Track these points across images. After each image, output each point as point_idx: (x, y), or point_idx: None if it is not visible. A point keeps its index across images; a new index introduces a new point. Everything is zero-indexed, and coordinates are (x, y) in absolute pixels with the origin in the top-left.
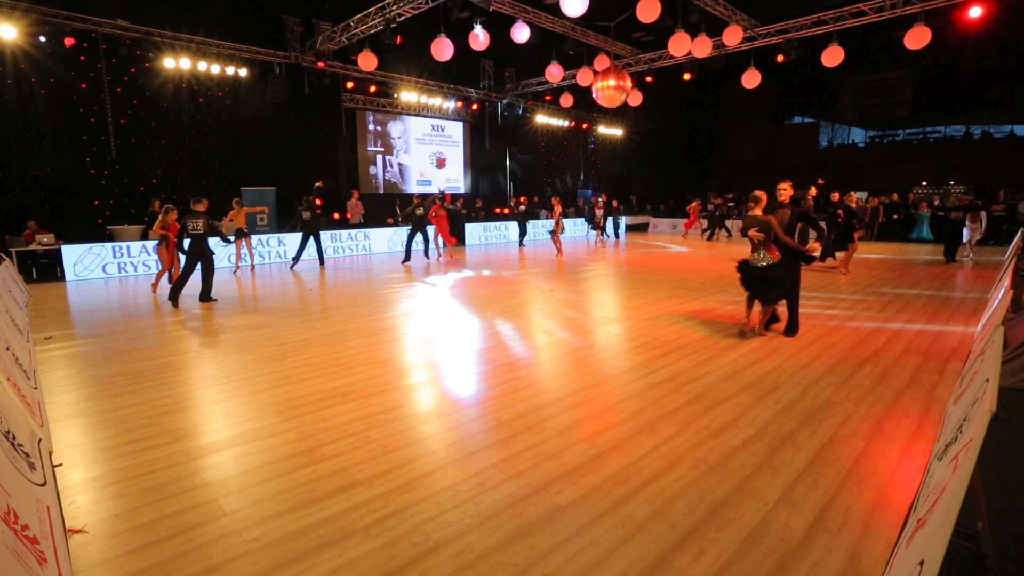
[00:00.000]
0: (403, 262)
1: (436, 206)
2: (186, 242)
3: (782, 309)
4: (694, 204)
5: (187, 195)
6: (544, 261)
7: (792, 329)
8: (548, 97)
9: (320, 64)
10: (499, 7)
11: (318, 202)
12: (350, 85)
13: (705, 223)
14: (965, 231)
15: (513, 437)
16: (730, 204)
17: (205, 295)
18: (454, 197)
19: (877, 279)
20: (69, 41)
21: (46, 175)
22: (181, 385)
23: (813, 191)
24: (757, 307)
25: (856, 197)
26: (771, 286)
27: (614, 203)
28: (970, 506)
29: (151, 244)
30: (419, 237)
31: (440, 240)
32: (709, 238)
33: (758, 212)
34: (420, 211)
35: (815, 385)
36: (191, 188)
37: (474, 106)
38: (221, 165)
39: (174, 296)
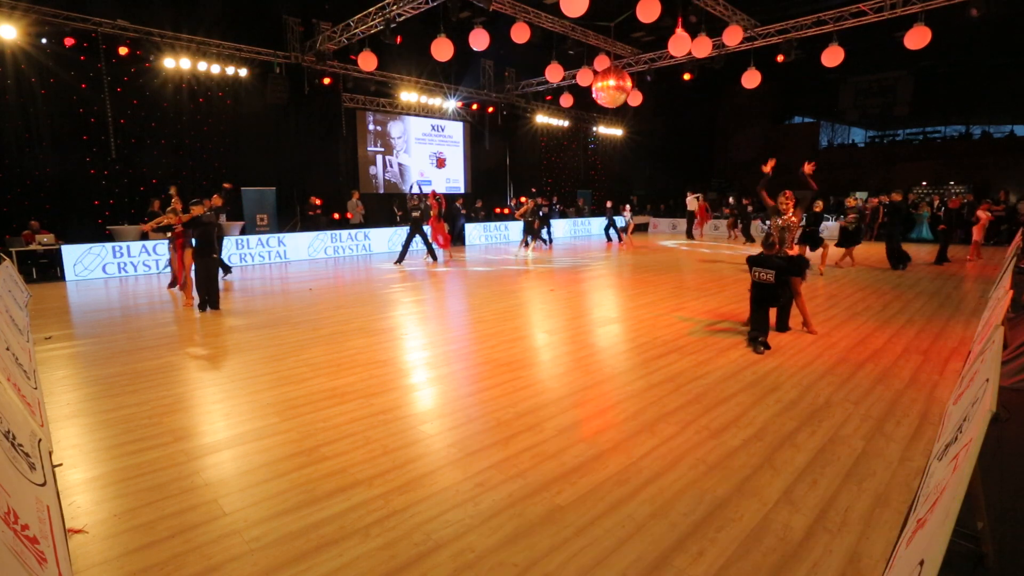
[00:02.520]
0: (396, 262)
1: (434, 206)
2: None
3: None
4: (700, 204)
5: (188, 195)
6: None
7: (782, 325)
8: (548, 97)
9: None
10: (499, 7)
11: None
12: (350, 85)
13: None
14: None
15: (513, 437)
16: (739, 203)
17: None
18: (452, 197)
19: (877, 279)
20: (69, 41)
21: (46, 175)
22: (181, 385)
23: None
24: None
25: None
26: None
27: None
28: (970, 506)
29: (151, 244)
30: (418, 238)
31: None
32: (746, 236)
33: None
34: (416, 214)
35: (815, 385)
36: (191, 188)
37: (474, 106)
38: (221, 165)
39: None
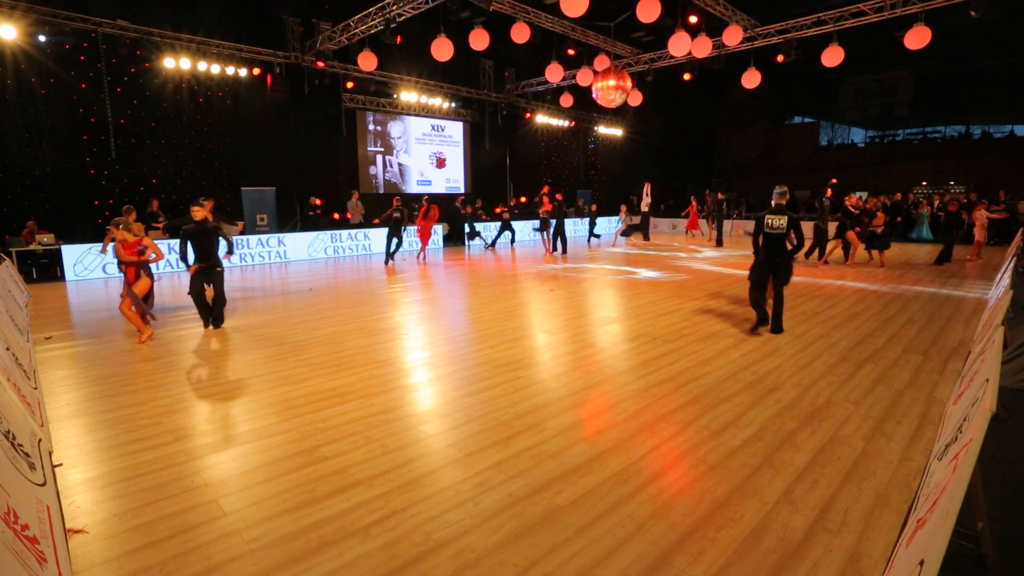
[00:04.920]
0: (387, 263)
1: (422, 210)
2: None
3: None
4: (693, 204)
5: (188, 195)
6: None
7: (777, 327)
8: (548, 97)
9: (320, 64)
10: (499, 7)
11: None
12: (350, 85)
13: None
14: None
15: (513, 437)
16: (725, 200)
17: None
18: (452, 197)
19: (877, 279)
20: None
21: (46, 175)
22: (181, 385)
23: (829, 192)
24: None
25: (856, 198)
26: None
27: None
28: (970, 506)
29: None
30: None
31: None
32: (718, 240)
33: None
34: (397, 215)
35: (815, 385)
36: (191, 188)
37: (474, 106)
38: (221, 165)
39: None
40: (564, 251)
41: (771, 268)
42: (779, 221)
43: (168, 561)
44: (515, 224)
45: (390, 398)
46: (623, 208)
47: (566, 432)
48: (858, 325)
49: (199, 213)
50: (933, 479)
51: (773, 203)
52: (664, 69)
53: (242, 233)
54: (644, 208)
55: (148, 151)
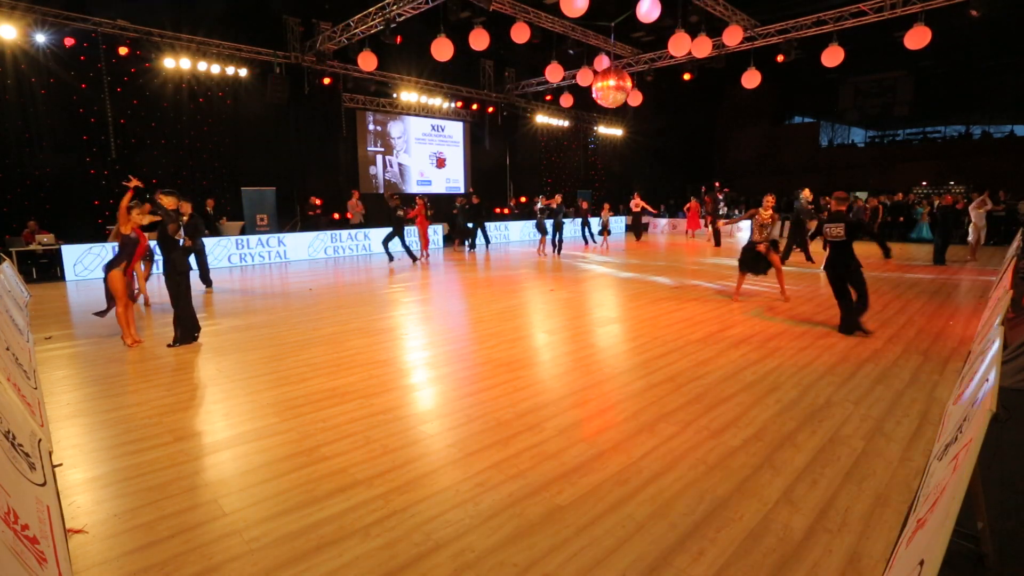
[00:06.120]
0: (414, 261)
1: (419, 208)
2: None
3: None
4: (693, 204)
5: (188, 195)
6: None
7: (846, 327)
8: (548, 97)
9: (326, 81)
10: (499, 7)
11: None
12: (350, 85)
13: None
14: (971, 230)
15: (513, 437)
16: (719, 197)
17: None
18: (452, 197)
19: (877, 279)
20: (69, 41)
21: (46, 175)
22: (181, 385)
23: (808, 193)
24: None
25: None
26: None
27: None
28: (970, 506)
29: (151, 243)
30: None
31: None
32: (715, 240)
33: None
34: (400, 212)
35: (815, 385)
36: (191, 188)
37: (474, 106)
38: (221, 165)
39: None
40: (557, 251)
41: (843, 274)
42: (836, 229)
43: (168, 561)
44: (514, 224)
45: (390, 398)
46: (606, 206)
47: (566, 432)
48: None
49: (162, 200)
50: (933, 479)
51: (832, 210)
52: (664, 69)
53: (242, 233)
54: (635, 208)
55: (148, 151)
